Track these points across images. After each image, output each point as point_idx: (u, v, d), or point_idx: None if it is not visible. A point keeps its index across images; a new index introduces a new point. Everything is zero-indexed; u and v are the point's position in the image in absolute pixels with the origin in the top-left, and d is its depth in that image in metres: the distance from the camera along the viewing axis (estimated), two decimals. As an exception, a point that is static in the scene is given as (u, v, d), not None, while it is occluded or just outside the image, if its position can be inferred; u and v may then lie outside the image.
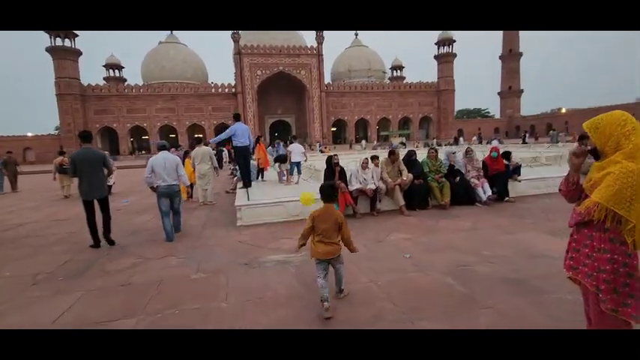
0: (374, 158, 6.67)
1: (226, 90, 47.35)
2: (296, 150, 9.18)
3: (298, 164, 9.24)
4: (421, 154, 7.74)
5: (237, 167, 10.74)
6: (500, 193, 6.92)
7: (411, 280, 3.44)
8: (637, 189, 1.54)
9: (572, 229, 1.90)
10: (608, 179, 1.61)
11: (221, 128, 47.97)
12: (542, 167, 10.25)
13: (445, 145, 26.94)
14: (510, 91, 63.86)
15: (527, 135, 34.71)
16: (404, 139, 44.34)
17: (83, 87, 42.77)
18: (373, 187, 6.28)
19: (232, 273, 3.84)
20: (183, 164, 8.02)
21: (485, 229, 5.13)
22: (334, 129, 53.11)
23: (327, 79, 53.62)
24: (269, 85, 47.26)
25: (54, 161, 11.69)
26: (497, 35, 67.70)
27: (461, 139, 34.95)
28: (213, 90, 47.56)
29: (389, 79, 64.71)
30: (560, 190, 1.99)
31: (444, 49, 53.97)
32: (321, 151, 28.37)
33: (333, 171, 6.37)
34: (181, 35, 57.36)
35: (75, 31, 41.31)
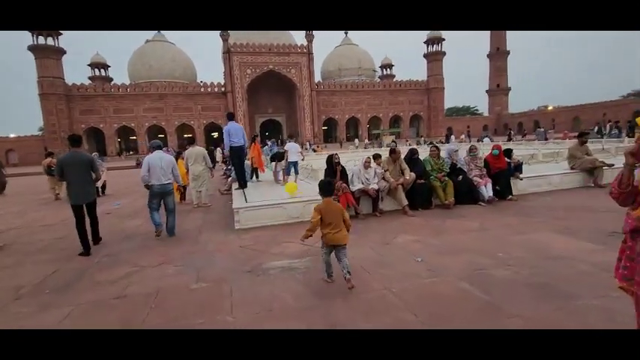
0: (376, 157, 6.47)
1: (216, 89, 46.75)
2: (293, 149, 8.92)
3: (295, 164, 8.98)
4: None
5: (230, 167, 10.46)
6: (503, 192, 6.80)
7: (427, 287, 3.24)
8: None
9: (626, 235, 1.72)
10: None
11: (211, 128, 47.46)
12: (540, 165, 10.21)
13: (437, 143, 26.93)
14: (498, 89, 64.56)
15: (512, 132, 35.10)
16: (394, 138, 44.45)
17: (68, 86, 41.67)
18: (376, 187, 6.08)
19: (235, 282, 3.59)
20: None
21: (495, 229, 4.97)
22: (325, 128, 52.94)
23: (318, 78, 53.35)
24: (259, 84, 46.77)
25: (42, 162, 11.39)
26: (486, 33, 68.26)
27: (452, 137, 35.03)
28: (202, 89, 46.93)
29: (379, 77, 64.80)
30: (611, 192, 1.77)
31: (434, 48, 54.26)
32: (314, 150, 28.10)
33: (334, 170, 6.16)
34: (169, 33, 56.40)
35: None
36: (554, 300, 2.84)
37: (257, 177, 10.04)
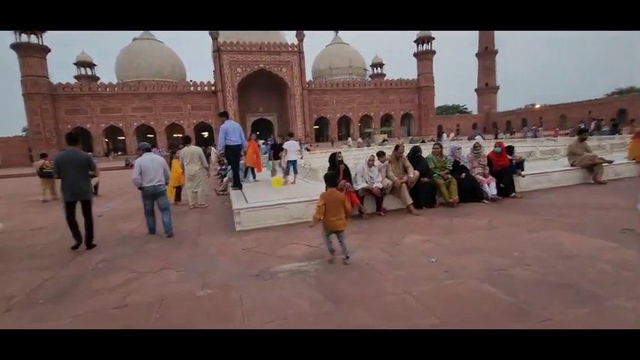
0: (380, 155, 6.32)
1: (206, 88, 46.05)
2: (292, 147, 8.72)
3: (294, 163, 8.79)
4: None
5: (224, 168, 10.23)
6: (506, 189, 6.74)
7: (448, 289, 3.10)
8: None
9: None
10: None
11: (201, 127, 46.81)
12: (539, 162, 10.23)
13: (428, 142, 27.04)
14: (487, 88, 65.31)
15: (498, 130, 35.53)
16: (386, 136, 44.51)
17: (53, 86, 40.45)
18: (380, 185, 5.94)
19: (244, 287, 3.39)
20: (170, 166, 7.60)
21: (504, 228, 4.88)
22: (317, 127, 52.72)
23: (309, 77, 53.06)
24: (249, 83, 46.27)
25: (34, 164, 11.11)
26: (475, 33, 68.92)
27: (444, 135, 35.22)
28: (192, 88, 46.16)
29: (370, 76, 64.83)
30: None
31: (423, 47, 54.44)
32: (307, 149, 27.88)
33: (337, 169, 5.99)
34: (157, 32, 55.41)
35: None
36: (584, 302, 2.73)
37: (254, 177, 9.81)
